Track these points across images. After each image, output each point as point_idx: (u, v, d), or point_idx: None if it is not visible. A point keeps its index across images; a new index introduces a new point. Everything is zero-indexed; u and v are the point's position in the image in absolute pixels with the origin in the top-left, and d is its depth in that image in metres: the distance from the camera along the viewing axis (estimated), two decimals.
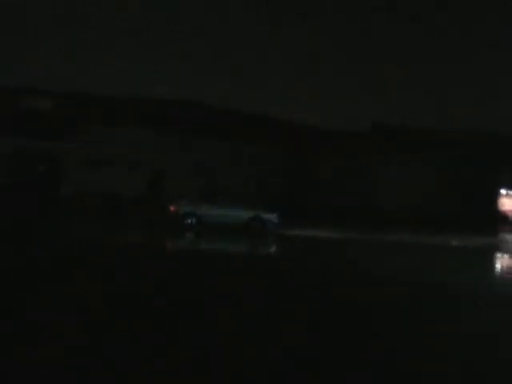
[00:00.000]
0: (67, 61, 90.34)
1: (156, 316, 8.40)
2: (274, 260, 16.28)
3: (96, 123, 36.33)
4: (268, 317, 8.59)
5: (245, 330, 7.88)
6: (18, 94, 37.80)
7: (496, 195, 47.78)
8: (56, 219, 25.32)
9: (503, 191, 50.21)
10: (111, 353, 6.82)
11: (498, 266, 17.97)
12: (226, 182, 37.38)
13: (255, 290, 10.61)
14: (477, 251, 20.78)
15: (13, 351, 6.79)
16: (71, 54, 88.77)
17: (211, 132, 38.92)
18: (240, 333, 7.69)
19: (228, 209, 23.60)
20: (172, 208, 23.57)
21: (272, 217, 23.71)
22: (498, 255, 20.66)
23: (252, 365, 6.49)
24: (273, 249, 19.75)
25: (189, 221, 23.25)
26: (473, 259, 18.24)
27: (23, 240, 16.85)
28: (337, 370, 6.37)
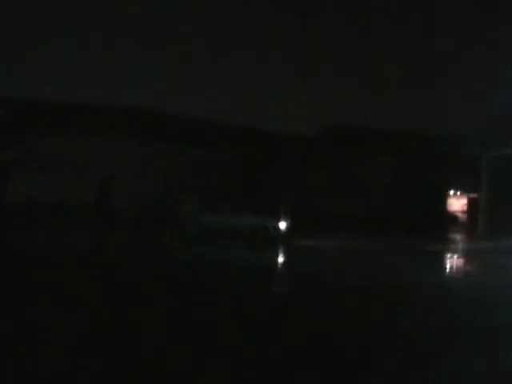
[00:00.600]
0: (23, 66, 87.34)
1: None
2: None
3: (45, 130, 35.99)
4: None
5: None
6: None
7: (445, 196, 49.22)
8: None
9: (452, 192, 51.83)
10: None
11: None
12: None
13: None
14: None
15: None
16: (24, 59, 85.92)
17: (162, 138, 39.10)
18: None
19: (231, 216, 23.35)
20: (176, 213, 23.56)
21: (276, 224, 23.18)
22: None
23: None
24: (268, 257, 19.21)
25: (191, 227, 23.16)
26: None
27: None
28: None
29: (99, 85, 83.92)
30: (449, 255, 21.71)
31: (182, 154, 40.10)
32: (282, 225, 23.20)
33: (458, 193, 52.44)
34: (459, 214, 50.40)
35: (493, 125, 30.81)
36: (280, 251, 20.26)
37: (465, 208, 50.86)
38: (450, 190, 50.73)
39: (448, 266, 18.74)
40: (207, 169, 41.30)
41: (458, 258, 21.25)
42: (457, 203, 52.54)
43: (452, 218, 47.84)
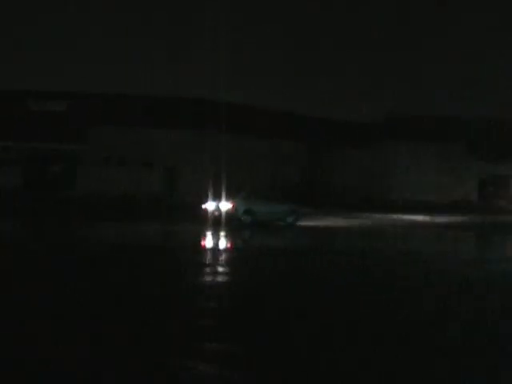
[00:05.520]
0: (74, 61, 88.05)
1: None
2: None
3: (109, 123, 36.68)
4: None
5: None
6: (29, 97, 38.31)
7: None
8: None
9: None
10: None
11: None
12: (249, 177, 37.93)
13: None
14: None
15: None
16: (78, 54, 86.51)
17: (225, 128, 39.02)
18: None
19: (274, 205, 24.39)
20: (231, 205, 23.42)
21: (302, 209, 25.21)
22: None
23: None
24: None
25: (245, 218, 23.51)
26: None
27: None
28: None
29: (162, 76, 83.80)
30: None
31: (246, 143, 40.08)
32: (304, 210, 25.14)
33: None
34: None
35: None
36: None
37: None
38: None
39: None
40: (271, 158, 41.51)
41: None
42: None
43: None
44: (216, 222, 23.13)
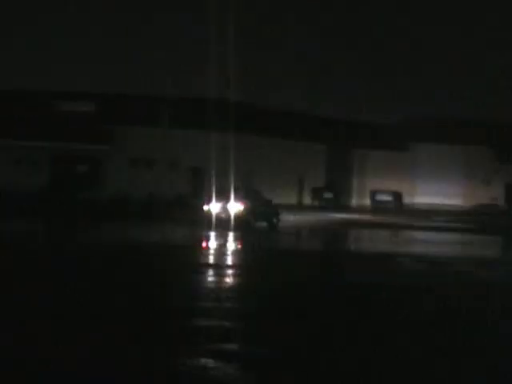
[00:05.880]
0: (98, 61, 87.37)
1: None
2: None
3: (135, 124, 36.76)
4: None
5: None
6: (55, 98, 38.42)
7: None
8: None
9: None
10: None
11: None
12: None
13: None
14: None
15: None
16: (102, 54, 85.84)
17: (249, 130, 39.03)
18: None
19: (265, 206, 24.63)
20: (242, 206, 23.32)
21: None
22: None
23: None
24: None
25: (250, 219, 23.46)
26: None
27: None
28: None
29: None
30: None
31: (270, 144, 40.32)
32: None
33: None
34: None
35: None
36: None
37: None
38: None
39: None
40: (295, 159, 41.75)
41: None
42: None
43: None
44: (225, 224, 22.86)
